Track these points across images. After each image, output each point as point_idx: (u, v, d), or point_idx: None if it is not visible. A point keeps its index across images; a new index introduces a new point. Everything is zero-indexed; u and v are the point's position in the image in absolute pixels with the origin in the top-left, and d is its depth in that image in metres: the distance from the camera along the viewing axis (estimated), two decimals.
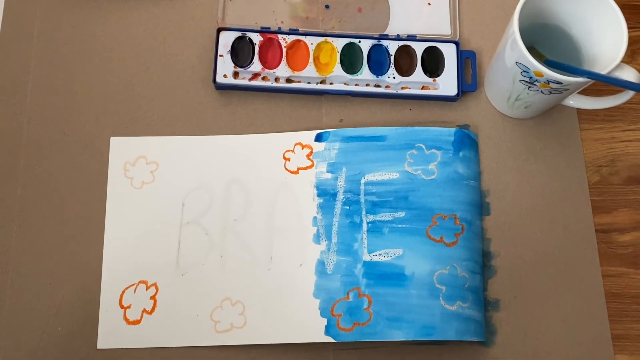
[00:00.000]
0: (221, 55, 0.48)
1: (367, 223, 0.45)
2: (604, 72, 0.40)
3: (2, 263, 0.45)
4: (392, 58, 0.49)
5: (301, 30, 0.50)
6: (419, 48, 0.50)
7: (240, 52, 0.49)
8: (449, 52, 0.50)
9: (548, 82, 0.41)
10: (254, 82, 0.49)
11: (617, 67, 0.40)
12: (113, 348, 0.43)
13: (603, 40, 0.43)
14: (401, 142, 0.47)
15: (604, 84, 0.41)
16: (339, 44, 0.49)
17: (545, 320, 0.45)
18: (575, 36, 0.45)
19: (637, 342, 0.45)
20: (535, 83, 0.42)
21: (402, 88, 0.49)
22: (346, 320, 0.43)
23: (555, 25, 0.45)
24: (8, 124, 0.48)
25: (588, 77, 0.40)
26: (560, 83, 0.40)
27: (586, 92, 0.46)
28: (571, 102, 0.46)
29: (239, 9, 0.50)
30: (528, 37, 0.42)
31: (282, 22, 0.51)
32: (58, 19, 0.50)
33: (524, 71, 0.42)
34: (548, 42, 0.46)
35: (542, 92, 0.43)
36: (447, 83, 0.49)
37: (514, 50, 0.42)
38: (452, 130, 0.47)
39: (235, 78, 0.48)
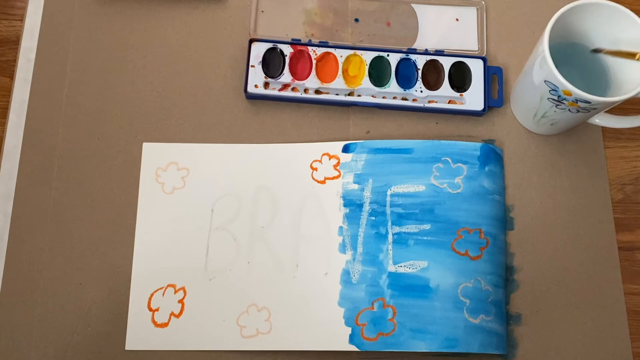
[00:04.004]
0: (252, 66, 0.49)
1: (393, 234, 0.46)
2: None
3: (35, 264, 0.46)
4: (419, 72, 0.50)
5: (331, 43, 0.51)
6: (446, 63, 0.50)
7: (271, 63, 0.50)
8: (476, 68, 0.50)
9: (576, 101, 0.41)
10: (284, 93, 0.50)
11: None
12: (141, 350, 0.44)
13: (630, 61, 0.43)
14: (428, 155, 0.47)
15: (631, 103, 0.42)
16: (368, 57, 0.50)
17: (566, 336, 0.46)
18: (603, 56, 0.45)
19: None
20: (563, 102, 0.43)
21: (429, 102, 0.50)
22: (370, 330, 0.44)
23: (583, 45, 0.46)
24: (43, 129, 0.49)
25: None
26: (589, 102, 0.41)
27: (612, 110, 0.46)
28: (597, 120, 0.47)
29: (270, 20, 0.52)
30: (555, 56, 0.42)
31: (312, 35, 0.52)
32: (94, 27, 0.51)
33: (553, 89, 0.42)
34: (575, 60, 0.46)
35: (569, 110, 0.44)
36: (473, 98, 0.50)
37: (542, 68, 0.42)
38: (478, 145, 0.48)
39: (265, 88, 0.50)
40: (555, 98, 0.43)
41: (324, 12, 0.52)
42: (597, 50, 0.42)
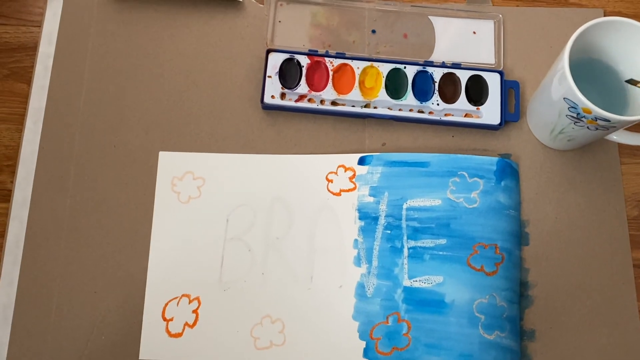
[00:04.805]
0: (269, 77, 0.49)
1: (408, 248, 0.46)
2: None
3: (49, 271, 0.46)
4: (436, 85, 0.50)
5: (347, 54, 0.50)
6: (463, 76, 0.50)
7: (288, 74, 0.50)
8: (493, 81, 0.50)
9: (596, 119, 0.41)
10: (300, 104, 0.50)
11: None
12: (155, 359, 0.45)
13: None
14: (444, 169, 0.47)
15: None
16: (385, 69, 0.50)
17: (579, 352, 0.46)
18: (622, 72, 0.45)
19: None
20: (582, 119, 0.43)
21: (446, 115, 0.50)
22: (385, 344, 0.44)
23: (602, 61, 0.46)
24: (60, 136, 0.49)
25: None
26: (609, 121, 0.41)
27: (629, 127, 0.46)
28: (614, 137, 0.47)
29: (288, 31, 0.52)
30: (574, 72, 0.42)
31: (329, 46, 0.52)
32: (111, 34, 0.52)
33: (572, 107, 0.42)
34: (593, 77, 0.46)
35: (587, 127, 0.43)
36: (490, 112, 0.50)
37: (562, 84, 0.42)
38: (495, 159, 0.48)
39: (282, 99, 0.50)
40: (574, 115, 0.43)
41: (336, 19, 0.52)
42: (631, 82, 0.41)
